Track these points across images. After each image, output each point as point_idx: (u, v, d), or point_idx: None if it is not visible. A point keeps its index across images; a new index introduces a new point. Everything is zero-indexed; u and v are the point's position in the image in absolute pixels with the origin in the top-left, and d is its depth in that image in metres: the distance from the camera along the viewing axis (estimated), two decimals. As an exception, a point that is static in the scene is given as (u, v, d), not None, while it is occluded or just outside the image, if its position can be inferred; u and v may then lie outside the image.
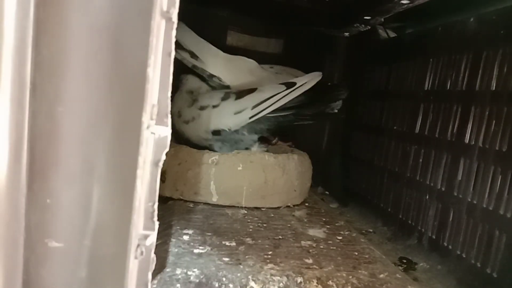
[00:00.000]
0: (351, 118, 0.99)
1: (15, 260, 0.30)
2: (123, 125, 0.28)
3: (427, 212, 0.66)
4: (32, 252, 0.30)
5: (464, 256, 0.57)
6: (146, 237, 0.30)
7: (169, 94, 0.29)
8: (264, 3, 0.95)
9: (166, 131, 0.29)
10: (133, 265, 0.29)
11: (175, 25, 0.29)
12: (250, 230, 0.62)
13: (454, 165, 0.61)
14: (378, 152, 0.84)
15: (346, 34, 1.03)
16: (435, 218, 0.64)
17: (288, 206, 0.76)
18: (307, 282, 0.47)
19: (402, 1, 0.72)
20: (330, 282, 0.48)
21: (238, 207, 0.72)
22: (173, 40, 0.29)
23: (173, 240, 0.55)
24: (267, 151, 0.79)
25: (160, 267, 0.46)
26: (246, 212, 0.71)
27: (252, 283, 0.45)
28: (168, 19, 0.28)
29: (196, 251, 0.52)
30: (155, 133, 0.29)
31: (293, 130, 1.11)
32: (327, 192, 1.06)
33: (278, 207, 0.75)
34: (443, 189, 0.63)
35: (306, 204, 0.82)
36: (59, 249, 0.30)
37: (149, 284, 0.31)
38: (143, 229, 0.30)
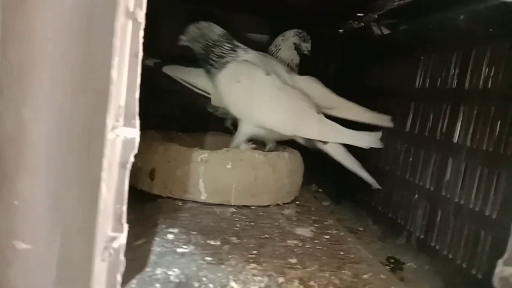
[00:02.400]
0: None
1: (-17, 262, 0.30)
2: (87, 127, 0.28)
3: (416, 212, 0.66)
4: (0, 254, 0.30)
5: (450, 257, 0.57)
6: (113, 239, 0.30)
7: (137, 95, 0.29)
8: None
9: (133, 133, 0.29)
10: (100, 268, 0.29)
11: (142, 26, 0.28)
12: (237, 228, 0.62)
13: (443, 165, 0.61)
14: (370, 150, 0.84)
15: (340, 30, 1.03)
16: (423, 217, 0.64)
17: (278, 205, 0.76)
18: (289, 282, 0.47)
19: (393, -2, 0.71)
20: (311, 283, 0.47)
21: (227, 205, 0.72)
22: (141, 41, 0.28)
23: (157, 239, 0.54)
24: (255, 148, 0.78)
25: (140, 267, 0.46)
26: (235, 210, 0.71)
27: (232, 283, 0.45)
28: (135, 20, 0.27)
29: (179, 250, 0.52)
30: (122, 135, 0.28)
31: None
32: (320, 190, 1.05)
33: (268, 206, 0.75)
34: (431, 188, 0.63)
35: (297, 202, 0.81)
36: (27, 251, 0.30)
37: (118, 286, 0.31)
38: (111, 231, 0.30)
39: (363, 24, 0.93)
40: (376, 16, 0.88)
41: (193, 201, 0.71)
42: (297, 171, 0.80)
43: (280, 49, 0.96)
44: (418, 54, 0.70)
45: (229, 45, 0.82)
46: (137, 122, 0.29)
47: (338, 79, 1.06)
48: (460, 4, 0.65)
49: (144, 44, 0.28)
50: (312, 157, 1.09)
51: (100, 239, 0.28)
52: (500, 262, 0.35)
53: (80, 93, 0.28)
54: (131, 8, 0.27)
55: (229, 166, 0.71)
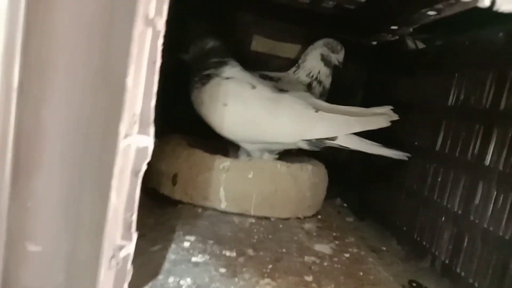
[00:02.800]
0: (375, 130, 0.96)
1: (-6, 260, 0.30)
2: (103, 132, 0.28)
3: (442, 235, 0.63)
4: (12, 253, 0.30)
5: (476, 285, 0.54)
6: (122, 248, 0.29)
7: (153, 103, 0.29)
8: (289, 8, 0.94)
9: (147, 141, 0.29)
10: (107, 276, 0.29)
11: (161, 34, 0.28)
12: (254, 240, 0.61)
13: (472, 188, 0.58)
14: (397, 167, 0.81)
15: (374, 42, 1.00)
16: (449, 241, 0.61)
17: (299, 218, 0.75)
18: (302, 301, 0.46)
19: (429, 12, 0.69)
20: (326, 303, 0.46)
21: (246, 215, 0.71)
22: (159, 49, 0.28)
23: (173, 246, 0.54)
24: (278, 158, 0.77)
25: (153, 274, 0.46)
26: (254, 221, 0.70)
27: (244, 298, 0.44)
28: (154, 28, 0.27)
29: (194, 259, 0.51)
30: (135, 143, 0.28)
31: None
32: (345, 205, 1.03)
33: (288, 218, 0.74)
34: (459, 212, 0.60)
35: (319, 216, 0.79)
36: (38, 253, 0.30)
37: (125, 295, 0.31)
38: (120, 239, 0.30)
39: (397, 37, 0.91)
40: (411, 30, 0.86)
41: (213, 209, 0.71)
42: (320, 185, 0.79)
43: (306, 59, 0.94)
44: (452, 71, 0.68)
45: (216, 59, 0.79)
46: (152, 130, 0.29)
47: (368, 91, 1.04)
48: (498, 22, 0.62)
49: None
50: (338, 170, 1.07)
51: (108, 247, 0.28)
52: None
53: (98, 97, 0.28)
54: (151, 16, 0.27)
55: (250, 176, 0.70)
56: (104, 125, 0.28)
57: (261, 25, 1.02)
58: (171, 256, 0.51)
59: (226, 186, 0.70)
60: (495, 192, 0.54)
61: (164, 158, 0.75)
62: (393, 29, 0.86)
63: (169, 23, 0.28)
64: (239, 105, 0.75)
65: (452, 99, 0.67)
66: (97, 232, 0.28)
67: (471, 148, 0.60)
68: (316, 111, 0.74)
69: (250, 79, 0.77)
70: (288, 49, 1.06)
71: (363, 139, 0.76)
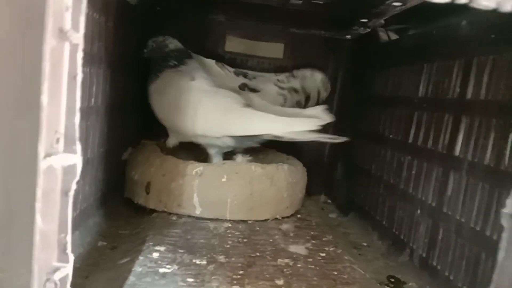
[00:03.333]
0: (354, 124, 0.95)
1: None
2: (26, 155, 0.27)
3: (418, 228, 0.62)
4: None
5: (451, 278, 0.53)
6: (57, 270, 0.28)
7: (77, 119, 0.28)
8: (261, 6, 0.93)
9: (74, 159, 0.28)
10: (42, 300, 0.28)
11: (80, 47, 0.27)
12: (228, 246, 0.60)
13: (445, 179, 0.57)
14: (376, 161, 0.81)
15: (348, 37, 0.99)
16: (425, 235, 0.60)
17: (277, 219, 0.74)
18: (270, 307, 0.45)
19: (395, 3, 0.68)
20: (294, 308, 0.45)
21: (222, 220, 0.70)
22: (79, 62, 0.27)
23: (141, 258, 0.53)
24: (251, 161, 0.76)
25: (117, 288, 0.45)
26: (230, 225, 0.69)
27: (209, 308, 0.43)
28: (70, 42, 0.26)
29: (161, 270, 0.50)
30: (60, 162, 0.27)
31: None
32: (329, 201, 1.02)
33: (266, 220, 0.73)
34: (433, 204, 0.59)
35: (298, 215, 0.79)
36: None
37: (65, 319, 0.30)
38: (56, 261, 0.29)
39: (369, 30, 0.90)
40: (383, 22, 0.85)
41: (188, 216, 0.70)
42: (297, 184, 0.78)
43: (306, 79, 0.96)
44: (421, 62, 0.67)
45: (174, 57, 0.82)
46: (78, 148, 0.28)
47: (345, 86, 1.03)
48: (464, 9, 0.61)
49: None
50: (322, 168, 1.07)
51: (39, 270, 0.27)
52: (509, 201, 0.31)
53: (15, 119, 0.27)
54: (66, 29, 0.25)
55: (224, 180, 0.69)
56: (24, 147, 0.26)
57: (233, 25, 1.01)
58: (137, 268, 0.50)
59: (199, 191, 0.69)
60: (465, 183, 0.53)
61: (137, 166, 0.74)
62: (363, 22, 0.85)
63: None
64: (175, 93, 0.76)
65: (422, 90, 0.66)
66: (27, 257, 0.27)
67: (441, 139, 0.59)
68: (246, 106, 0.74)
69: (195, 73, 0.79)
70: (264, 48, 1.05)
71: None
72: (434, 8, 0.69)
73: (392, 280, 0.61)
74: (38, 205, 0.26)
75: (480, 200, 0.50)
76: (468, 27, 0.57)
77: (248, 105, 0.74)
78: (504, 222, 0.31)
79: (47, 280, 0.28)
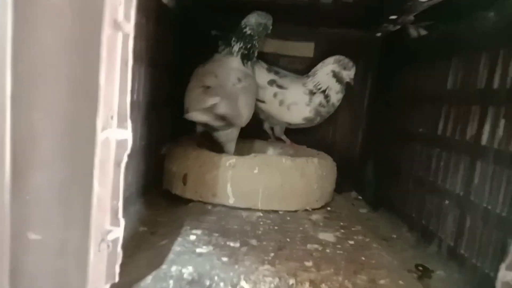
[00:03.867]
0: (384, 121, 0.97)
1: (2, 250, 0.34)
2: (86, 128, 0.31)
3: (446, 218, 0.63)
4: (16, 243, 0.34)
5: (479, 265, 0.54)
6: (110, 232, 0.32)
7: (129, 99, 0.32)
8: (291, 7, 0.96)
9: (125, 134, 0.32)
10: (97, 258, 0.32)
11: (131, 36, 0.31)
12: (259, 232, 0.63)
13: (471, 169, 0.58)
14: (405, 156, 0.82)
15: (378, 34, 1.01)
16: (453, 224, 0.61)
17: (307, 210, 0.76)
18: (299, 284, 0.47)
19: (421, -1, 0.70)
20: (322, 285, 0.47)
21: (254, 209, 0.73)
22: (130, 49, 0.31)
23: (179, 239, 0.57)
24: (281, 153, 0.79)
25: (158, 264, 0.49)
26: (261, 214, 0.72)
27: (243, 283, 0.47)
28: (123, 31, 0.30)
29: (198, 250, 0.54)
30: (114, 136, 0.31)
31: (327, 133, 1.11)
32: (360, 197, 1.03)
33: (296, 211, 0.75)
34: (461, 194, 0.60)
35: (328, 208, 0.81)
36: (38, 240, 0.33)
37: (117, 276, 0.34)
38: (109, 225, 0.33)
39: (399, 27, 0.91)
40: (412, 18, 0.86)
41: (222, 205, 0.74)
42: (327, 177, 0.80)
43: (316, 74, 0.96)
44: (449, 56, 0.68)
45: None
46: (129, 125, 0.32)
47: (377, 83, 1.04)
48: (492, 3, 0.62)
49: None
50: (353, 165, 1.08)
51: (96, 231, 0.31)
52: (502, 266, 0.33)
53: (78, 98, 0.31)
54: (119, 20, 0.30)
55: (256, 171, 0.72)
56: (85, 122, 0.31)
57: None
58: (176, 248, 0.54)
59: (233, 182, 0.72)
60: (492, 171, 0.54)
61: (175, 159, 0.78)
62: (393, 19, 0.86)
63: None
64: None
65: (450, 84, 0.67)
66: (86, 219, 0.31)
67: (468, 129, 0.60)
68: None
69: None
70: (294, 47, 1.08)
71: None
72: (461, 3, 0.71)
73: (420, 268, 0.62)
74: (96, 172, 0.30)
75: (506, 187, 0.51)
76: (495, 19, 0.58)
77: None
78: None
79: (102, 240, 0.32)
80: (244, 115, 0.82)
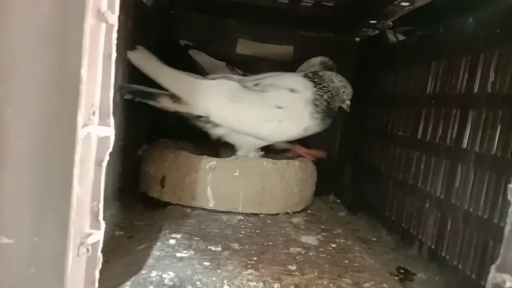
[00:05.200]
0: (362, 125, 0.97)
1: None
2: (64, 125, 0.29)
3: (427, 221, 0.64)
4: (-14, 248, 0.31)
5: (460, 267, 0.54)
6: (90, 235, 0.30)
7: (111, 95, 0.30)
8: (270, 10, 0.95)
9: (108, 132, 0.30)
10: (76, 263, 0.30)
11: (115, 28, 0.29)
12: (241, 235, 0.62)
13: (452, 172, 0.59)
14: (384, 159, 0.82)
15: (357, 39, 1.02)
16: (434, 227, 0.62)
17: (288, 213, 0.75)
18: (284, 288, 0.46)
19: (403, 3, 0.70)
20: (307, 290, 0.46)
21: (235, 213, 0.72)
22: (114, 42, 0.29)
23: (158, 243, 0.55)
24: (263, 156, 0.78)
25: (136, 269, 0.47)
26: (242, 218, 0.71)
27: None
28: (107, 22, 0.28)
29: (178, 255, 0.52)
30: (95, 133, 0.29)
31: (304, 138, 1.10)
32: (338, 200, 1.04)
33: (277, 214, 0.74)
34: (442, 196, 0.61)
35: (308, 211, 0.80)
36: (10, 245, 0.31)
37: (96, 282, 0.32)
38: (89, 228, 0.31)
39: (378, 32, 0.92)
40: (391, 23, 0.87)
41: (202, 208, 0.72)
42: (307, 180, 0.79)
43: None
44: (429, 60, 0.69)
45: None
46: (112, 122, 0.30)
47: (353, 87, 1.05)
48: (470, 8, 0.64)
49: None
50: (331, 168, 1.08)
51: (75, 234, 0.29)
52: (493, 268, 0.33)
53: (57, 92, 0.29)
54: (103, 10, 0.28)
55: (237, 174, 0.71)
56: (64, 117, 0.29)
57: (244, 29, 1.03)
58: (155, 253, 0.52)
59: (213, 185, 0.71)
60: (473, 174, 0.54)
61: (152, 162, 0.76)
62: (372, 24, 0.87)
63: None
64: None
65: (430, 88, 0.68)
66: (64, 221, 0.29)
67: (449, 133, 0.61)
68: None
69: None
70: (273, 50, 1.07)
71: None
72: (440, 8, 0.72)
73: (402, 271, 0.62)
74: (76, 171, 0.28)
75: (488, 189, 0.51)
76: (475, 25, 0.59)
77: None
78: (510, 197, 0.33)
79: (81, 244, 0.30)
80: None
